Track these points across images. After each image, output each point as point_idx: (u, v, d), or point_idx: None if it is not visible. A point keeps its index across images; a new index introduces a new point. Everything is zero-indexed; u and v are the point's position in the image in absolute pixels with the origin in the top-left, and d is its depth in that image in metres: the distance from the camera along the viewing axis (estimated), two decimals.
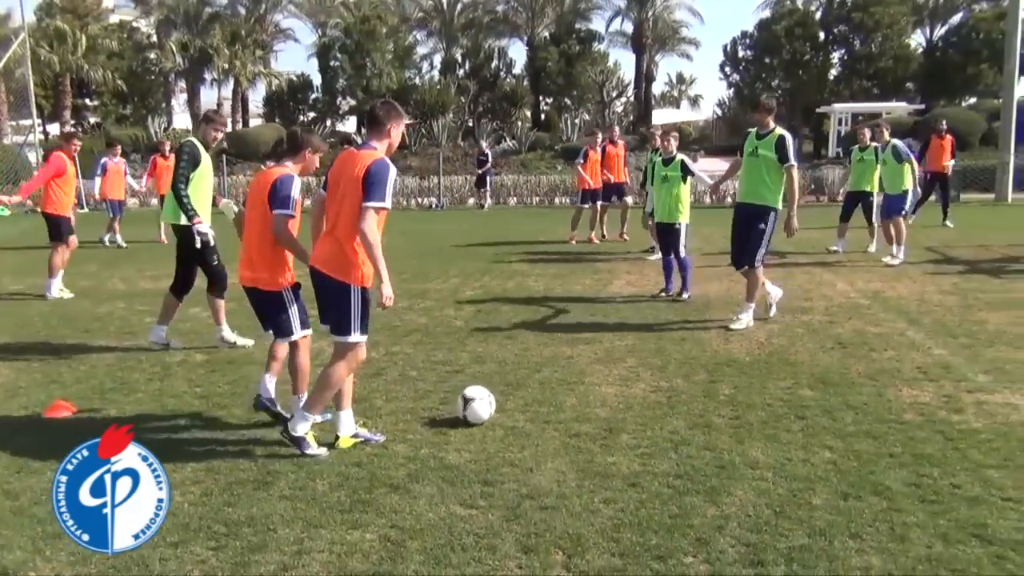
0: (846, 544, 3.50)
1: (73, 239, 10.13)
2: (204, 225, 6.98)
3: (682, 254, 9.20)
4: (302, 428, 4.61)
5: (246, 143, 34.29)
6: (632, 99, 50.22)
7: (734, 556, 3.43)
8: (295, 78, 45.73)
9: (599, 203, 14.87)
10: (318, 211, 4.82)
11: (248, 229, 5.23)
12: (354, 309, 4.52)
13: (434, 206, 25.73)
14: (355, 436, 4.81)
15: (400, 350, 7.06)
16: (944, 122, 17.25)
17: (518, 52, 50.60)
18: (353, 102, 43.10)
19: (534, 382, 6.05)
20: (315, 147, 5.23)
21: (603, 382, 6.01)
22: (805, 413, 5.20)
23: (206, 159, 7.12)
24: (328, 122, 42.71)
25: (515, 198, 27.12)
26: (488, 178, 25.32)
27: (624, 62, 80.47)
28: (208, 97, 48.50)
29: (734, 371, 6.22)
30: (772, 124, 7.63)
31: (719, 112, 54.86)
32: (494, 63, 47.14)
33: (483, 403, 5.12)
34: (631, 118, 47.06)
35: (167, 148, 16.47)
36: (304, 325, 5.20)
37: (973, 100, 40.87)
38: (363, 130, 41.73)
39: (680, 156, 9.35)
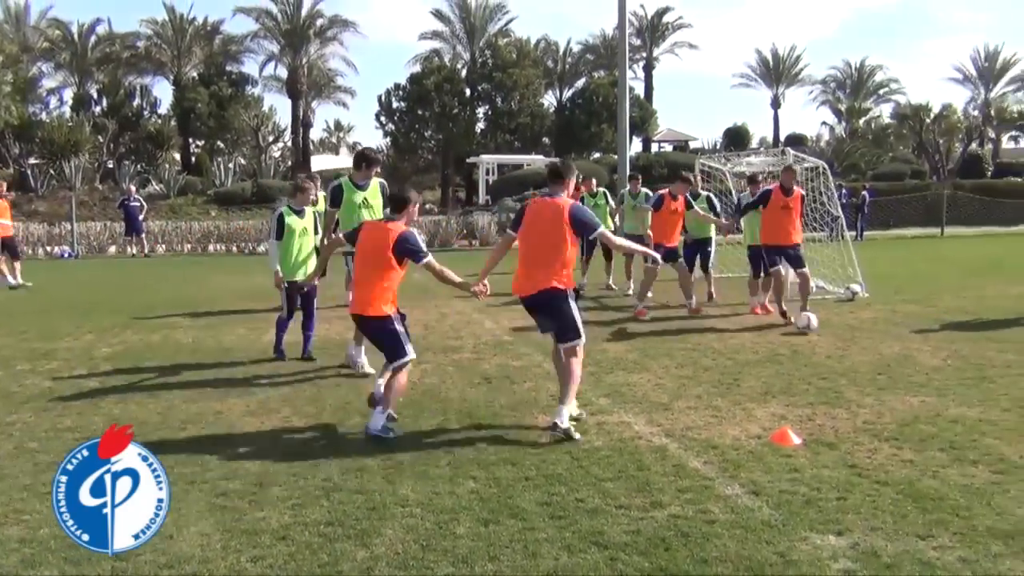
0: (486, 568, 3.72)
1: None
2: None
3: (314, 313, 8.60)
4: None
5: None
6: (289, 144, 49.69)
7: None
8: None
9: None
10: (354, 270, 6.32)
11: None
12: None
13: (66, 255, 23.20)
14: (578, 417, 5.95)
15: (17, 419, 6.23)
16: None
17: (164, 91, 47.67)
18: None
19: (179, 442, 5.67)
20: None
21: (255, 435, 5.80)
22: (452, 447, 5.47)
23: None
24: None
25: (164, 245, 25.40)
26: (142, 224, 23.52)
27: (280, 107, 79.62)
28: None
29: None
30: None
31: None
32: (136, 101, 44.00)
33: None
34: (289, 164, 46.45)
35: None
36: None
37: (597, 155, 46.35)
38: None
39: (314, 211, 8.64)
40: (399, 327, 5.93)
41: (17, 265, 15.19)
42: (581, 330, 5.94)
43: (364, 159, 8.30)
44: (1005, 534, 3.99)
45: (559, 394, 5.93)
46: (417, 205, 6.14)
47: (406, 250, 5.81)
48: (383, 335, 5.95)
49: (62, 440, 5.70)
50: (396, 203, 6.00)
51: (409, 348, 5.93)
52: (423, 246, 5.95)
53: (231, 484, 4.82)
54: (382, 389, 5.85)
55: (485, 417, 6.21)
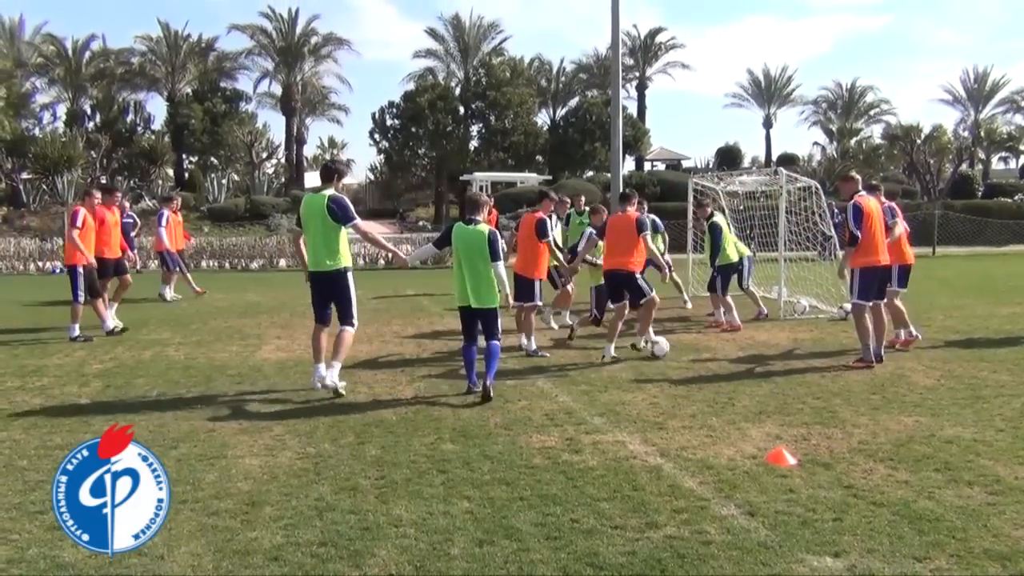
0: None
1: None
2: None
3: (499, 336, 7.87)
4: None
5: None
6: (283, 161, 49.76)
7: None
8: None
9: None
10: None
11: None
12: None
13: (57, 271, 23.08)
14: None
15: (7, 436, 6.17)
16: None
17: (157, 107, 47.82)
18: None
19: (170, 460, 5.60)
20: None
21: (247, 454, 5.76)
22: (447, 467, 5.44)
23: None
24: None
25: (156, 261, 25.27)
26: (134, 240, 23.41)
27: (274, 124, 79.80)
28: None
29: (382, 431, 6.32)
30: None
31: (372, 176, 56.40)
32: (130, 117, 44.03)
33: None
34: (282, 180, 46.49)
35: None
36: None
37: (591, 173, 46.55)
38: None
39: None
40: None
41: (174, 278, 16.29)
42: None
43: (339, 173, 8.20)
44: (1002, 556, 3.97)
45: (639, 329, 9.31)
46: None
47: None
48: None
49: (52, 458, 5.63)
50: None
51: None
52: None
53: (223, 503, 4.78)
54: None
55: (478, 436, 6.17)
